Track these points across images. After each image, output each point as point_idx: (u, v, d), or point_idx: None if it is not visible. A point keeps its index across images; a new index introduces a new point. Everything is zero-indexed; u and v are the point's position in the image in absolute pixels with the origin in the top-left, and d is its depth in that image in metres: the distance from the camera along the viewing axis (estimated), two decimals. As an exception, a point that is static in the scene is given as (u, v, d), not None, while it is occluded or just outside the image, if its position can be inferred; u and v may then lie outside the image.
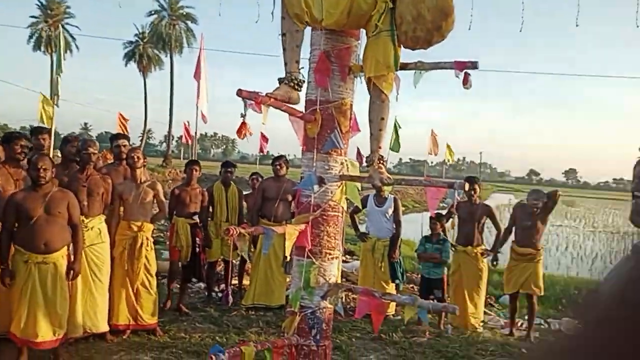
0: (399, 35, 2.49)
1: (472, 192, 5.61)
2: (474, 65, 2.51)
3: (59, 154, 6.97)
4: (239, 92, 2.21)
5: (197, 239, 5.37)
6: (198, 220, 5.42)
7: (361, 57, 2.71)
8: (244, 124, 2.38)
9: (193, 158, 25.54)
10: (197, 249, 5.38)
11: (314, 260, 2.71)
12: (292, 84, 2.51)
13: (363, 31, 2.73)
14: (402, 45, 2.57)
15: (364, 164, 2.98)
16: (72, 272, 3.84)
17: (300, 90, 2.57)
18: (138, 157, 4.45)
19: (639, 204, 0.92)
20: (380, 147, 2.74)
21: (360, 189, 3.35)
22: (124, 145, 4.77)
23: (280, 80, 2.53)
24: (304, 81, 2.60)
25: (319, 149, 2.70)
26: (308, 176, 2.68)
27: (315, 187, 2.66)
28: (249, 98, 2.23)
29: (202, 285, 6.26)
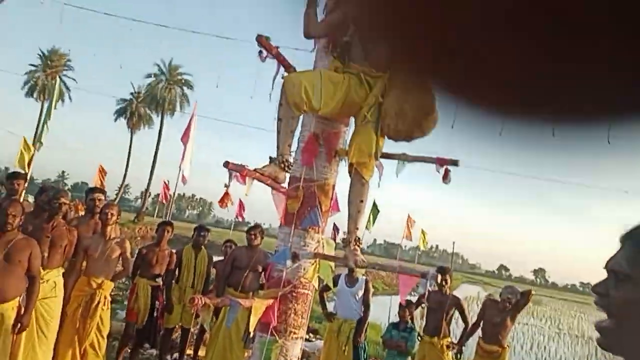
0: (383, 127, 2.63)
1: (444, 283, 5.60)
2: (454, 162, 2.63)
3: (29, 200, 6.80)
4: (226, 164, 2.26)
5: (156, 302, 5.16)
6: (161, 283, 5.24)
7: (348, 142, 2.83)
8: (227, 194, 2.42)
9: (168, 217, 25.12)
10: (155, 313, 5.15)
11: (277, 338, 2.62)
12: (281, 165, 2.61)
13: (352, 118, 2.87)
14: (385, 136, 2.70)
15: (339, 239, 3.00)
16: (19, 325, 3.61)
17: (288, 172, 2.66)
18: (112, 214, 4.36)
19: (601, 325, 0.82)
20: (357, 228, 2.77)
21: (333, 267, 3.34)
22: (99, 200, 4.69)
23: (271, 159, 2.62)
24: (293, 164, 2.70)
25: (297, 224, 2.72)
26: (283, 250, 2.67)
27: (288, 262, 2.64)
28: (235, 170, 2.28)
29: (155, 352, 5.91)
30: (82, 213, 5.36)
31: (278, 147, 2.65)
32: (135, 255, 5.38)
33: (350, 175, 2.76)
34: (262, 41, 2.68)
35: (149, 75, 39.96)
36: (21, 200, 4.50)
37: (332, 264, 2.98)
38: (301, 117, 2.93)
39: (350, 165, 2.70)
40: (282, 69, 2.92)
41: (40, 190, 4.49)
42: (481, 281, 69.84)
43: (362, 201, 2.73)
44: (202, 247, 5.86)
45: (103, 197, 4.82)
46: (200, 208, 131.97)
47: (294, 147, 2.90)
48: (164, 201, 28.42)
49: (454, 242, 41.13)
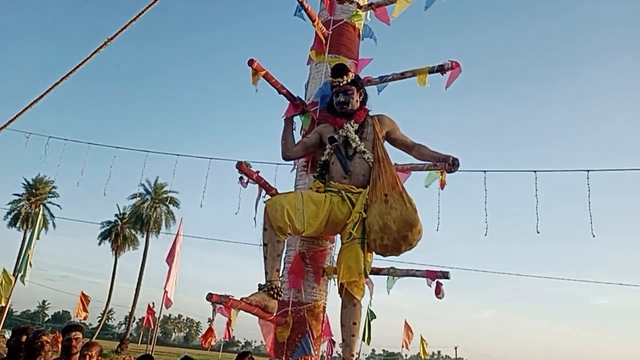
0: (369, 243, 2.59)
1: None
2: (444, 275, 2.56)
3: (6, 335, 6.36)
4: (209, 297, 2.15)
5: None
6: None
7: (335, 259, 2.76)
8: (210, 330, 2.28)
9: (153, 343, 23.69)
10: None
11: None
12: (271, 292, 2.47)
13: (337, 235, 2.83)
14: (373, 252, 2.65)
15: (334, 353, 2.80)
16: None
17: (278, 299, 2.52)
18: (90, 356, 4.05)
19: None
20: (352, 355, 2.59)
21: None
22: (76, 339, 4.36)
23: (260, 287, 2.49)
24: (283, 290, 2.57)
25: (288, 356, 2.54)
26: (274, 387, 2.45)
27: (282, 402, 2.41)
28: (219, 302, 2.16)
29: None
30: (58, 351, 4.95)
31: (266, 274, 2.53)
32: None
33: (340, 296, 2.65)
34: (243, 167, 2.72)
35: (133, 196, 39.85)
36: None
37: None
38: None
39: (341, 285, 2.60)
40: (263, 191, 2.93)
41: (14, 332, 4.20)
42: (491, 387, 65.43)
43: (355, 323, 2.59)
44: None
45: (80, 335, 4.49)
46: (187, 329, 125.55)
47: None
48: (148, 326, 27.10)
49: (456, 347, 39.24)
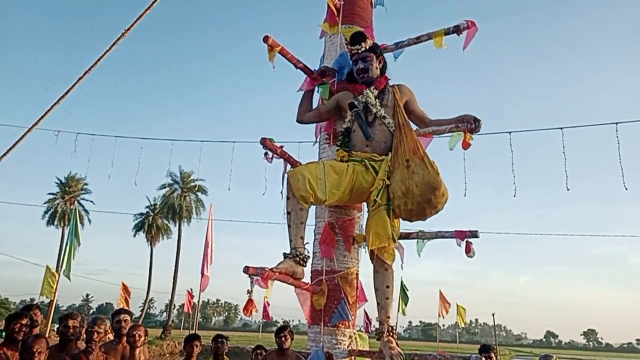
0: (394, 209, 2.63)
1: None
2: (474, 234, 2.58)
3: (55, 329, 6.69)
4: (246, 270, 2.22)
5: None
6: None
7: (363, 227, 2.80)
8: (250, 300, 2.35)
9: (195, 328, 24.44)
10: None
11: None
12: (296, 259, 2.54)
13: (363, 203, 2.87)
14: (399, 218, 2.68)
15: (372, 328, 2.85)
16: None
17: (305, 266, 2.59)
18: (139, 336, 4.23)
19: None
20: (389, 317, 2.65)
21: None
22: (125, 321, 4.58)
23: (285, 255, 2.56)
24: (308, 256, 2.63)
25: (326, 321, 2.62)
26: (315, 352, 2.54)
27: (323, 364, 2.50)
28: (256, 274, 2.24)
29: None
30: (110, 336, 5.20)
31: (291, 241, 2.60)
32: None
33: (372, 262, 2.70)
34: (267, 143, 2.77)
35: (163, 187, 40.75)
36: (48, 330, 4.41)
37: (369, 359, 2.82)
38: (315, 209, 2.95)
39: (371, 252, 2.65)
40: (288, 165, 2.98)
41: (60, 320, 4.42)
42: (531, 353, 65.42)
43: (388, 287, 2.64)
44: (224, 356, 5.61)
45: (129, 318, 4.71)
46: (226, 313, 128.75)
47: (310, 239, 2.88)
48: (188, 311, 27.90)
49: (493, 314, 39.10)
